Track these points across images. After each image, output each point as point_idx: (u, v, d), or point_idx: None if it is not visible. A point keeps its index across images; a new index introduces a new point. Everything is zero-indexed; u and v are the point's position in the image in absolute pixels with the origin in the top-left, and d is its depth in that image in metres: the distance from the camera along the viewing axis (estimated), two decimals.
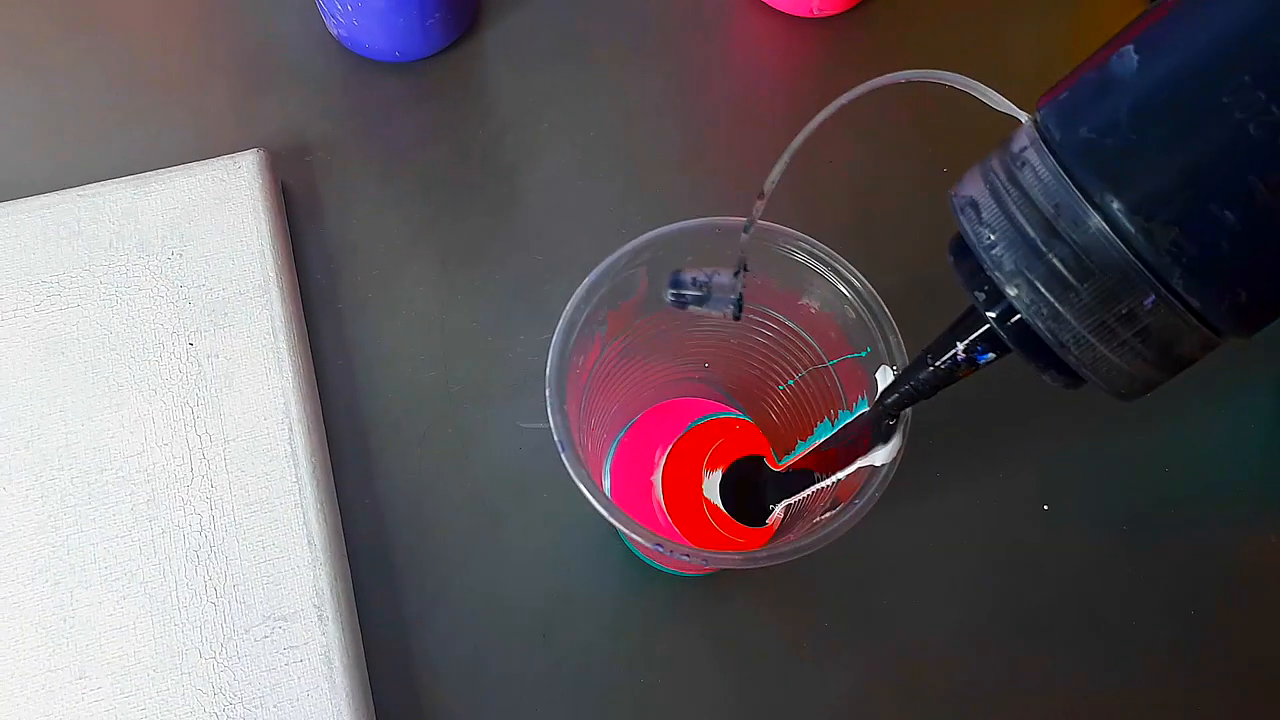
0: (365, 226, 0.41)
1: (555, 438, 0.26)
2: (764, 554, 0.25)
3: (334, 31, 0.42)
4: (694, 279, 0.27)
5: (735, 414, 0.36)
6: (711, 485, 0.34)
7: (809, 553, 0.25)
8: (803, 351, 0.30)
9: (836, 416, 0.30)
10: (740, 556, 0.25)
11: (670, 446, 0.35)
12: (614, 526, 0.36)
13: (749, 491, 0.34)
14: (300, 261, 0.40)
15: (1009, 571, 0.37)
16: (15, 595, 0.33)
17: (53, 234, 0.38)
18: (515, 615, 0.35)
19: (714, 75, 0.44)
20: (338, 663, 0.33)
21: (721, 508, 0.34)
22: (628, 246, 0.28)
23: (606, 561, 0.36)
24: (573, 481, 0.26)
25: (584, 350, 0.28)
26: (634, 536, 0.25)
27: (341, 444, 0.37)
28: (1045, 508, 0.37)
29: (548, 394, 0.26)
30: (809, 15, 0.45)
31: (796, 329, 0.30)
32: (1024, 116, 0.21)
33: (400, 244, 0.40)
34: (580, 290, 0.27)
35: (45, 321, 0.37)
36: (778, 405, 0.33)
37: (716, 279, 0.27)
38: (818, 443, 0.31)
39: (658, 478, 0.35)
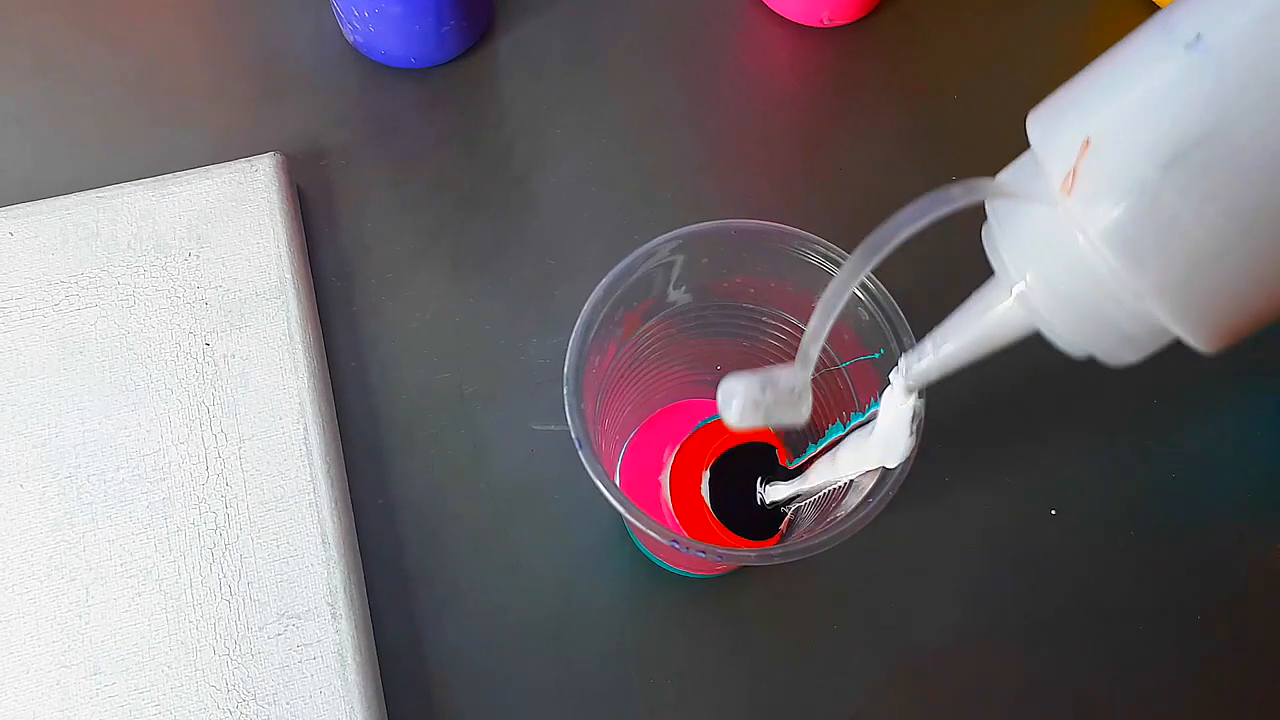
0: (379, 230, 0.41)
1: (573, 435, 0.26)
2: (777, 551, 0.25)
3: (350, 38, 0.43)
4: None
5: None
6: (705, 484, 0.35)
7: (821, 551, 0.25)
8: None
9: (848, 418, 0.30)
10: (754, 554, 0.25)
11: (678, 446, 0.35)
12: (625, 526, 0.36)
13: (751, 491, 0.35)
14: (315, 264, 0.40)
15: (1017, 575, 0.37)
16: (31, 591, 0.34)
17: (72, 235, 0.38)
18: (526, 615, 0.36)
19: (725, 83, 0.45)
20: (350, 660, 0.33)
21: (709, 505, 0.34)
22: (644, 247, 0.28)
23: (617, 562, 0.37)
24: (584, 482, 0.26)
25: (600, 350, 0.29)
26: (648, 533, 0.25)
27: (355, 445, 0.38)
28: (1053, 512, 0.38)
29: (565, 392, 0.27)
30: (820, 25, 0.45)
31: (804, 328, 0.30)
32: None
33: (414, 248, 0.41)
34: (598, 290, 0.28)
35: (64, 321, 0.37)
36: None
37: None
38: (828, 443, 0.31)
39: (665, 477, 0.35)
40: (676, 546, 0.25)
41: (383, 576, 0.36)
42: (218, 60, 0.44)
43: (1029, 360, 0.40)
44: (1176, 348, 0.21)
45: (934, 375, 0.25)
